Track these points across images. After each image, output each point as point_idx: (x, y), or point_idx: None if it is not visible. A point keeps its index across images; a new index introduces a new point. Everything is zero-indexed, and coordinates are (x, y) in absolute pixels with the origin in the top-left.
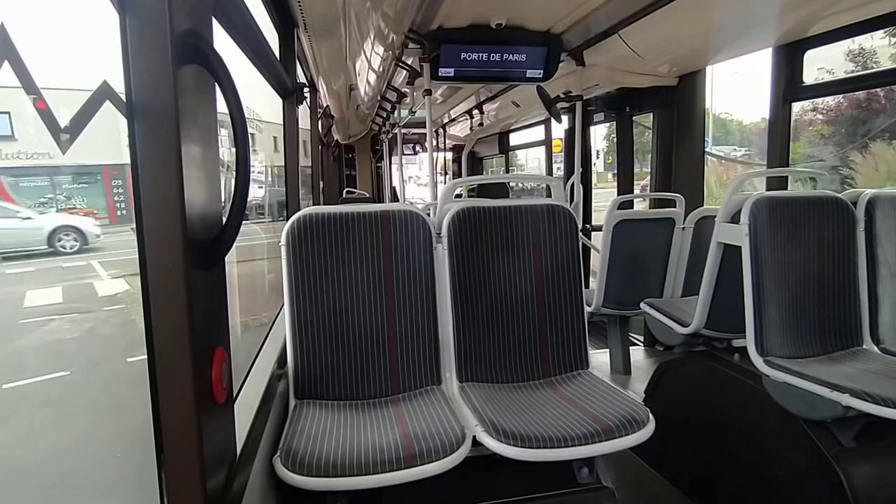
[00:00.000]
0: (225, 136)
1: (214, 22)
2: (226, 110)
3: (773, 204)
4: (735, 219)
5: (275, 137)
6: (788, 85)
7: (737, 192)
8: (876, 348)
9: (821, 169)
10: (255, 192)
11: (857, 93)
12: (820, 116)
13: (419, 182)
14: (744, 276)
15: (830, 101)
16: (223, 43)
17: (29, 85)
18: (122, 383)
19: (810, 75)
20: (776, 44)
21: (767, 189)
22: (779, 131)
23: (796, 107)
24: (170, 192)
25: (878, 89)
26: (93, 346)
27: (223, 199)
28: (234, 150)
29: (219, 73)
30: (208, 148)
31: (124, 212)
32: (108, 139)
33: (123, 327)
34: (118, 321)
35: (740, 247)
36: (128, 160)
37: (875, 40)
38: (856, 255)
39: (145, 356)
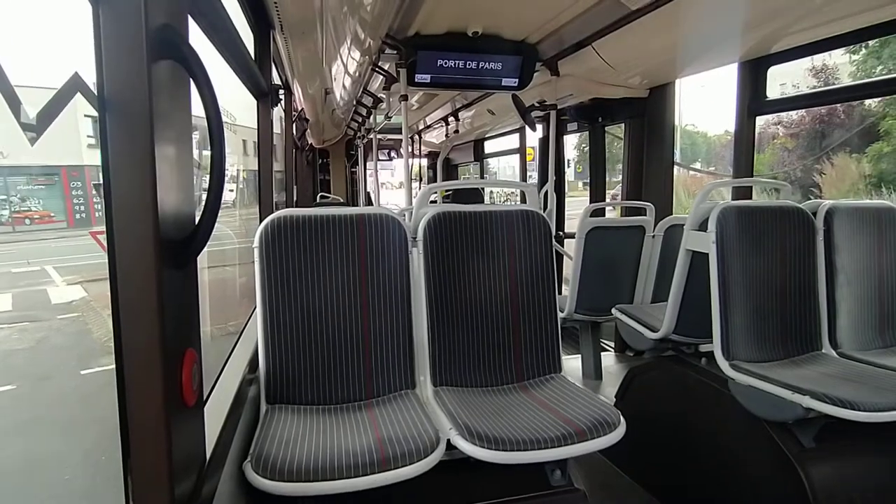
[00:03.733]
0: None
1: (190, 20)
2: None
3: (738, 213)
4: (703, 227)
5: (244, 140)
6: (753, 99)
7: (704, 202)
8: (834, 352)
9: (785, 180)
10: (225, 196)
11: (819, 108)
12: (783, 130)
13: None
14: (711, 282)
15: (794, 115)
16: (199, 41)
17: None
18: (74, 398)
19: (775, 90)
20: (741, 59)
21: (733, 199)
22: (744, 143)
23: (761, 120)
24: (142, 190)
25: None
26: (44, 357)
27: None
28: (203, 148)
29: (195, 69)
30: (182, 145)
31: (83, 215)
32: (68, 139)
33: (78, 337)
34: (72, 330)
35: (707, 254)
36: (88, 161)
37: (836, 58)
38: (815, 262)
39: (100, 368)
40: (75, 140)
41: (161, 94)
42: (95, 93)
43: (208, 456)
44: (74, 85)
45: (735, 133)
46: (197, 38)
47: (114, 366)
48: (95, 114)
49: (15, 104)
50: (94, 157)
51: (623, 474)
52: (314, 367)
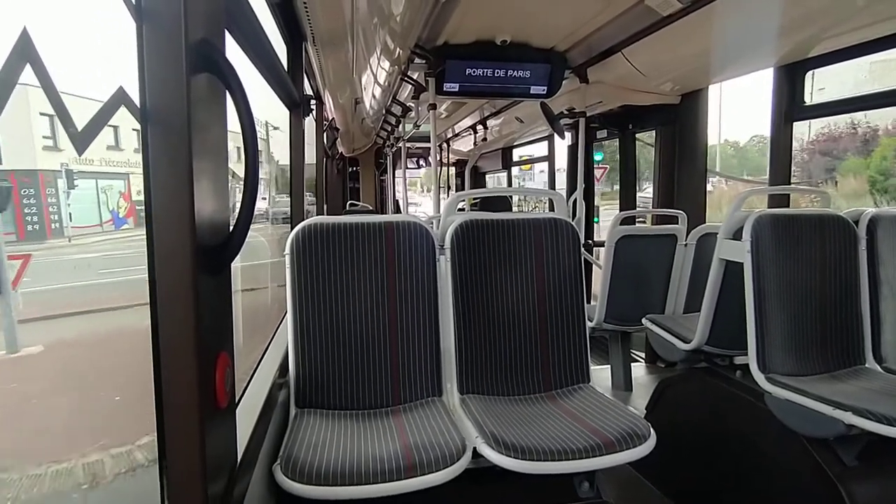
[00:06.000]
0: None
1: (227, 34)
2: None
3: (775, 221)
4: (737, 235)
5: (260, 151)
6: (790, 105)
7: (739, 209)
8: (878, 367)
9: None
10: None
11: None
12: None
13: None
14: (745, 292)
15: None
16: (234, 54)
17: (49, 88)
18: None
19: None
20: (777, 64)
21: (769, 207)
22: (780, 150)
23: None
24: (180, 198)
25: None
26: None
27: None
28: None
29: (231, 82)
30: (218, 155)
31: (36, 227)
32: (20, 139)
33: None
34: None
35: (742, 263)
36: (42, 167)
37: None
38: (857, 273)
39: None
40: (27, 141)
41: (199, 105)
42: (138, 105)
43: (239, 457)
44: (119, 98)
45: (771, 139)
46: (232, 50)
47: None
48: (53, 113)
49: (66, 117)
50: (52, 161)
51: (653, 488)
52: (343, 373)
